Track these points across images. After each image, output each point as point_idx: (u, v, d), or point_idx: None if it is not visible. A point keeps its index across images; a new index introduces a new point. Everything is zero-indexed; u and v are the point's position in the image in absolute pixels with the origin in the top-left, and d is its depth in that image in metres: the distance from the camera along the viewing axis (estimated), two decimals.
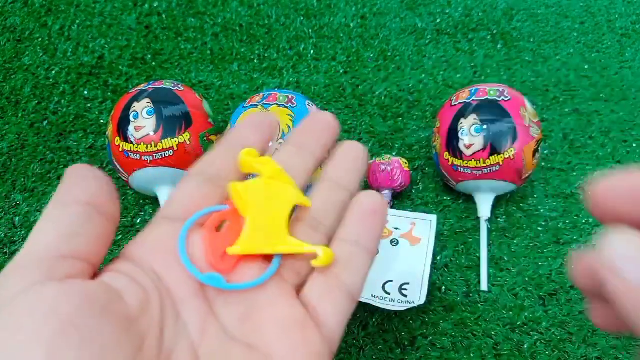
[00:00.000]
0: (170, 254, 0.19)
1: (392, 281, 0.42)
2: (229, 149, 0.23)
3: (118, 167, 0.45)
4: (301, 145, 0.23)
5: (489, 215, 0.46)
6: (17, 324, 0.14)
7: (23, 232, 0.48)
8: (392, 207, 0.48)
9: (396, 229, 0.46)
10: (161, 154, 0.43)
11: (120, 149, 0.43)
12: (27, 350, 0.14)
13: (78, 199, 0.18)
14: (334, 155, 0.24)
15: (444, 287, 0.45)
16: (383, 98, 0.57)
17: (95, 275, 0.18)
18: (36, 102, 0.57)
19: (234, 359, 0.18)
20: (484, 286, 0.44)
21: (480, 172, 0.44)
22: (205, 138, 0.45)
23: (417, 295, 0.41)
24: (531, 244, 0.47)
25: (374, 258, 0.23)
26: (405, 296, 0.41)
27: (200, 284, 0.19)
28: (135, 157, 0.43)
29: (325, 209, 0.23)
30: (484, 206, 0.46)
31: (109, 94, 0.57)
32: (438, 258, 0.46)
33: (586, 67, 0.60)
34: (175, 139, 0.43)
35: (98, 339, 0.15)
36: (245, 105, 0.45)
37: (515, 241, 0.47)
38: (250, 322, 0.19)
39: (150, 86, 0.45)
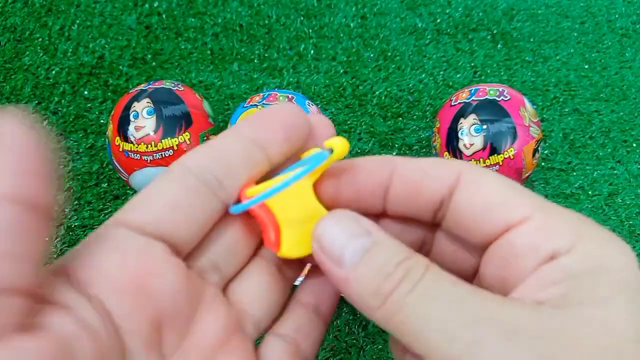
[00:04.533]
0: (128, 288, 0.15)
1: None
2: (240, 141, 0.17)
3: (118, 167, 0.45)
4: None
5: None
6: None
7: None
8: None
9: None
10: (161, 154, 0.43)
11: (121, 149, 0.43)
12: None
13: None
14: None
15: None
16: (383, 98, 0.57)
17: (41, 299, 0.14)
18: (36, 102, 0.57)
19: None
20: None
21: None
22: (205, 138, 0.45)
23: None
24: None
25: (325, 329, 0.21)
26: None
27: (157, 333, 0.16)
28: (135, 157, 0.43)
29: None
30: None
31: (109, 94, 0.57)
32: None
33: (586, 67, 0.60)
34: (175, 139, 0.43)
35: None
36: (245, 105, 0.45)
37: None
38: None
39: (150, 86, 0.45)
